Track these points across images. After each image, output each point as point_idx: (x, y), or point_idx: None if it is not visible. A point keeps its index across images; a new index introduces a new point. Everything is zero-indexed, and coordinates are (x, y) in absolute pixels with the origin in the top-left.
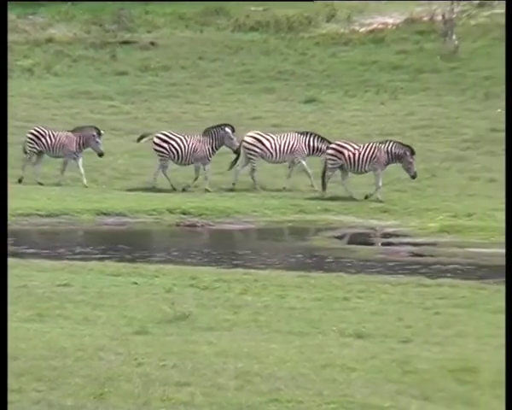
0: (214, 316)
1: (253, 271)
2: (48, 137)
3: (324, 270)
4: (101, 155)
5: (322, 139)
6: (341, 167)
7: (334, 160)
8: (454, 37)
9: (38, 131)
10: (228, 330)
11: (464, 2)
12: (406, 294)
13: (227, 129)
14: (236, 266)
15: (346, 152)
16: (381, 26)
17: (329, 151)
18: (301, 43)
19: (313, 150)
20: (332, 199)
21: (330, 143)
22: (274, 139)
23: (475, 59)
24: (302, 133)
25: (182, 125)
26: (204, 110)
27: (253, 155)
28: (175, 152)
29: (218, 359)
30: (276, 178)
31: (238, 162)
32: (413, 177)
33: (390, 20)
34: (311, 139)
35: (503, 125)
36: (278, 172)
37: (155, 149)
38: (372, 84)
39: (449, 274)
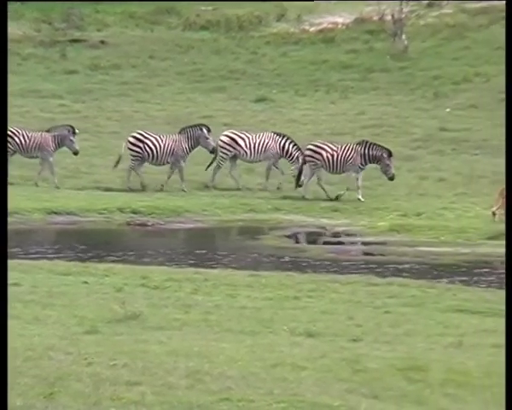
0: (165, 315)
1: (203, 270)
2: (21, 138)
3: (275, 269)
4: (76, 153)
5: (297, 147)
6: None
7: (313, 161)
8: (403, 36)
9: (12, 132)
10: (178, 330)
11: (413, 3)
12: (356, 293)
13: (203, 129)
14: (187, 265)
15: (324, 153)
16: (330, 26)
17: (307, 152)
18: (252, 42)
19: (285, 154)
20: (283, 198)
21: (301, 150)
22: (249, 138)
23: (424, 59)
24: (278, 134)
25: (132, 125)
26: (155, 109)
27: (225, 155)
28: (150, 152)
29: (168, 358)
30: (226, 177)
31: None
32: (391, 179)
33: (340, 20)
34: (286, 143)
35: (451, 125)
36: (227, 171)
37: (130, 149)
38: (322, 83)
39: (398, 273)
